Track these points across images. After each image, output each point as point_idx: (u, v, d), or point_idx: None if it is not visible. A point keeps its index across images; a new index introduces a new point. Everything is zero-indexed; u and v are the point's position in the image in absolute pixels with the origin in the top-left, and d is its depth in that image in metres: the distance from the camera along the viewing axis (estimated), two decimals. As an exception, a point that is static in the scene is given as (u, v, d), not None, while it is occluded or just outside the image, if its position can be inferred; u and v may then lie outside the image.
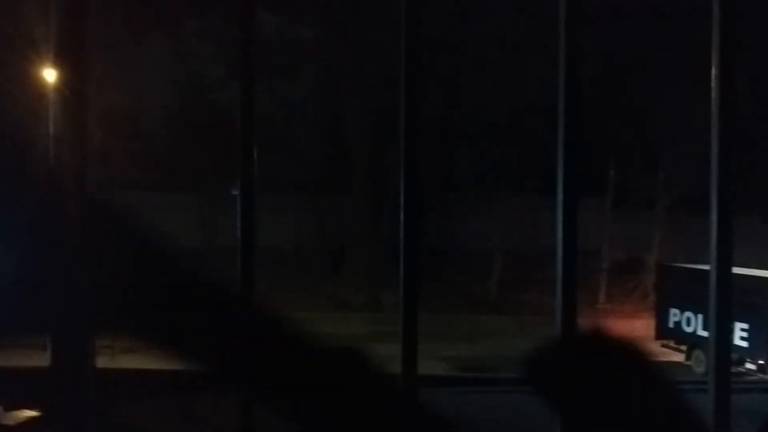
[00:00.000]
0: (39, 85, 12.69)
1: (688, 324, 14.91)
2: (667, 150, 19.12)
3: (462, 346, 16.14)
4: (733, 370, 14.21)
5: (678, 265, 16.25)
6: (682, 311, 15.41)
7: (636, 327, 16.95)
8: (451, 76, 20.28)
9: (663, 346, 16.17)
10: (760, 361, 13.45)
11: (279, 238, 20.71)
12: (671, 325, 15.92)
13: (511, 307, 18.41)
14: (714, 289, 1.82)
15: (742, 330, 13.87)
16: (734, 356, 13.95)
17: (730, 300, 1.81)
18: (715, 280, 1.79)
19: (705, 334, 5.75)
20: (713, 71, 1.74)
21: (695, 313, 14.85)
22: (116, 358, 11.81)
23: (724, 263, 1.76)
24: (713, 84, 1.72)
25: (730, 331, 1.99)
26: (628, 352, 1.12)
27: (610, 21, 18.55)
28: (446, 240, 21.06)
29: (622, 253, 20.17)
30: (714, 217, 1.72)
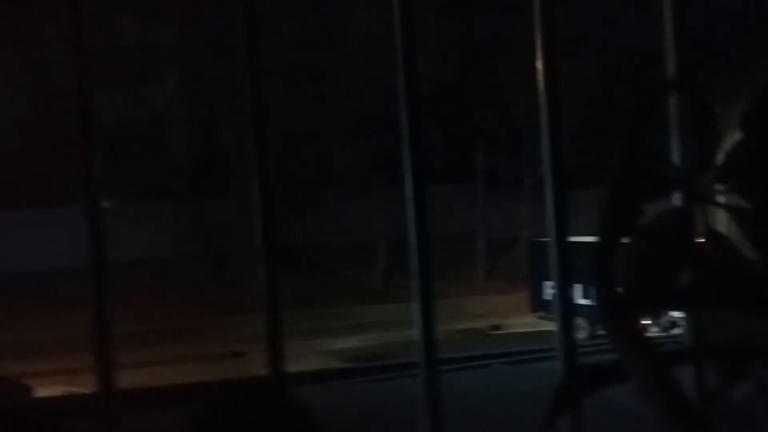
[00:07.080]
0: None
1: None
2: (528, 130, 20.01)
3: (352, 338, 16.33)
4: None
5: (547, 240, 17.03)
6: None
7: (515, 301, 17.73)
8: (321, 70, 20.34)
9: (541, 318, 16.94)
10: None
11: (157, 247, 20.07)
12: (546, 297, 16.65)
13: (398, 295, 18.76)
14: (555, 258, 2.01)
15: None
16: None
17: (570, 266, 2.02)
18: (555, 250, 1.99)
19: (582, 302, 6.13)
20: (538, 60, 1.93)
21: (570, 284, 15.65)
22: None
23: (561, 234, 1.97)
24: (540, 73, 1.91)
25: (572, 295, 2.20)
26: None
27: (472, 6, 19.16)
28: (329, 235, 21.15)
29: (496, 232, 20.98)
30: (550, 193, 1.92)
